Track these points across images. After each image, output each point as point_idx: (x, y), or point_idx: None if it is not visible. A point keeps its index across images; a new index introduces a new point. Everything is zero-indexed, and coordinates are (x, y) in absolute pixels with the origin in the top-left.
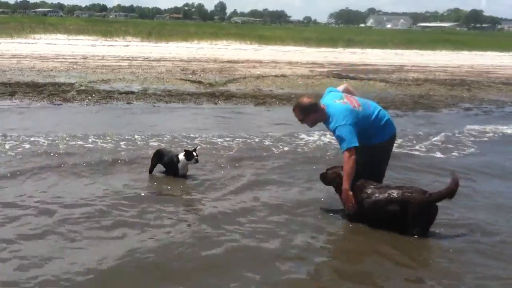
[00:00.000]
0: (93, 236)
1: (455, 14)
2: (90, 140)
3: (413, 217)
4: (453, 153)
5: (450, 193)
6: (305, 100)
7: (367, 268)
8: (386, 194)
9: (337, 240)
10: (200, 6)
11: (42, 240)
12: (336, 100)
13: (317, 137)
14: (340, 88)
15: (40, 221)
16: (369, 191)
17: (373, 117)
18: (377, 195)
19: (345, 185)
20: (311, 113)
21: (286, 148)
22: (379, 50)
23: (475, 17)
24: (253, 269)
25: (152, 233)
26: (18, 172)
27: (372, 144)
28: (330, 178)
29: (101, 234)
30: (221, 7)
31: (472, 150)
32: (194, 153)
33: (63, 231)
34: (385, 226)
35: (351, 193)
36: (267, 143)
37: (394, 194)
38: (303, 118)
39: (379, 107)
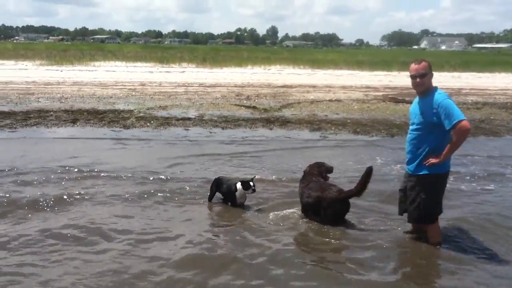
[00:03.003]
0: None
1: (511, 35)
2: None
3: (323, 210)
4: None
5: (358, 191)
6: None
7: None
8: (312, 194)
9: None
10: (253, 31)
11: None
12: None
13: None
14: None
15: None
16: (306, 191)
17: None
18: (307, 194)
19: (446, 157)
20: (430, 73)
21: None
22: (436, 73)
23: None
24: None
25: None
26: None
27: (447, 170)
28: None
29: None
30: (273, 31)
31: None
32: (251, 183)
33: None
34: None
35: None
36: None
37: (314, 193)
38: (424, 73)
39: None
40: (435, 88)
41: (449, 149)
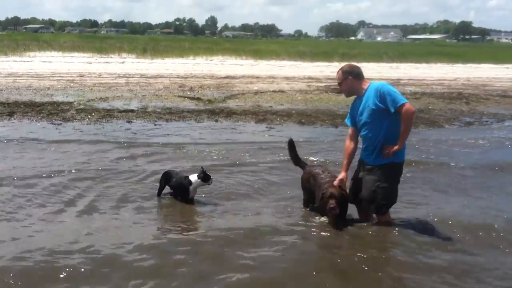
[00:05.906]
0: None
1: (444, 26)
2: None
3: None
4: None
5: None
6: (351, 65)
7: None
8: None
9: None
10: (191, 21)
11: None
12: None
13: None
14: None
15: None
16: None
17: None
18: None
19: (401, 143)
20: (349, 77)
21: None
22: (374, 64)
23: (464, 28)
24: None
25: None
26: None
27: (403, 160)
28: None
29: None
30: (212, 22)
31: None
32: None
33: None
34: None
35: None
36: None
37: None
38: (341, 82)
39: None
40: (369, 84)
41: (402, 134)
